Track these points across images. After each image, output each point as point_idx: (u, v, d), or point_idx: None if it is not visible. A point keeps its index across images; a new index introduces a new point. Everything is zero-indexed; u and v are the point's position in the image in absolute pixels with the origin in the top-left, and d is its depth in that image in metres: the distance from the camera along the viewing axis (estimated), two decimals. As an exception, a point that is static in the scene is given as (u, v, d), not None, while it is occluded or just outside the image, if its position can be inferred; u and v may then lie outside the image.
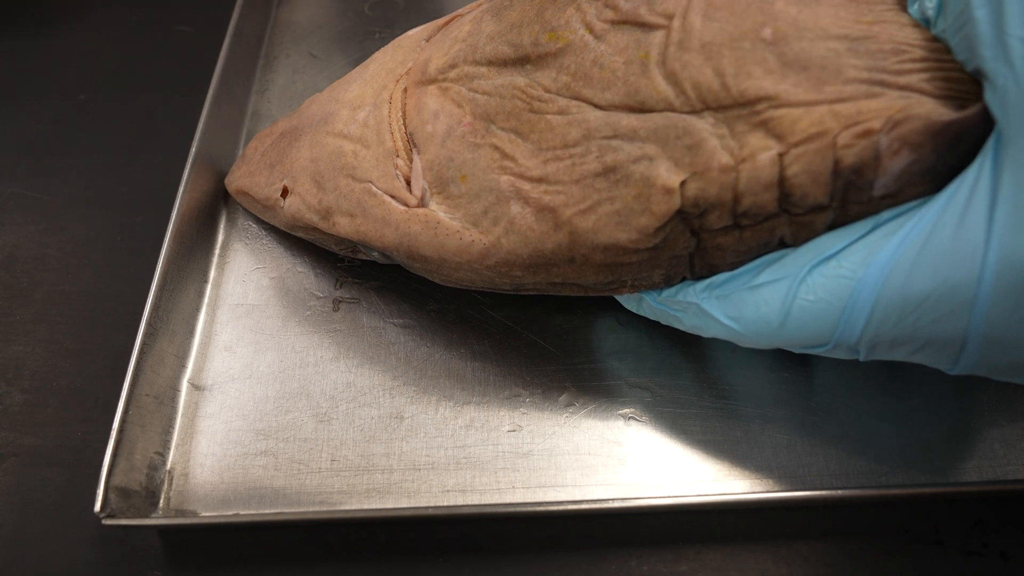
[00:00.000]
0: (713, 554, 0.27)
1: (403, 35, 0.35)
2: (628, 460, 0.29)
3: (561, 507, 0.27)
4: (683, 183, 0.24)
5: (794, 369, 0.30)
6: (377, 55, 0.35)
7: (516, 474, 0.29)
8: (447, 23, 0.33)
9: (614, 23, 0.26)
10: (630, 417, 0.30)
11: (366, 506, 0.28)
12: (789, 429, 0.29)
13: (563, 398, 0.30)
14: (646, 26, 0.25)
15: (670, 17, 0.25)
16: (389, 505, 0.28)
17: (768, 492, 0.28)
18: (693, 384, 0.30)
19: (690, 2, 0.25)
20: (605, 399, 0.30)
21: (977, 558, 0.27)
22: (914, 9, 0.24)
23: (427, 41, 0.33)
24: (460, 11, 0.33)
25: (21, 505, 0.29)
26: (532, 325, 0.33)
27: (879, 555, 0.27)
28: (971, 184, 0.21)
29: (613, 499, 0.27)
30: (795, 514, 0.28)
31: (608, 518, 0.28)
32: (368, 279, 0.35)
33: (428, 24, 0.34)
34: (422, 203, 0.29)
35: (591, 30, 0.27)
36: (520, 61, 0.28)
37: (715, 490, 0.28)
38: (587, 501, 0.27)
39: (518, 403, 0.30)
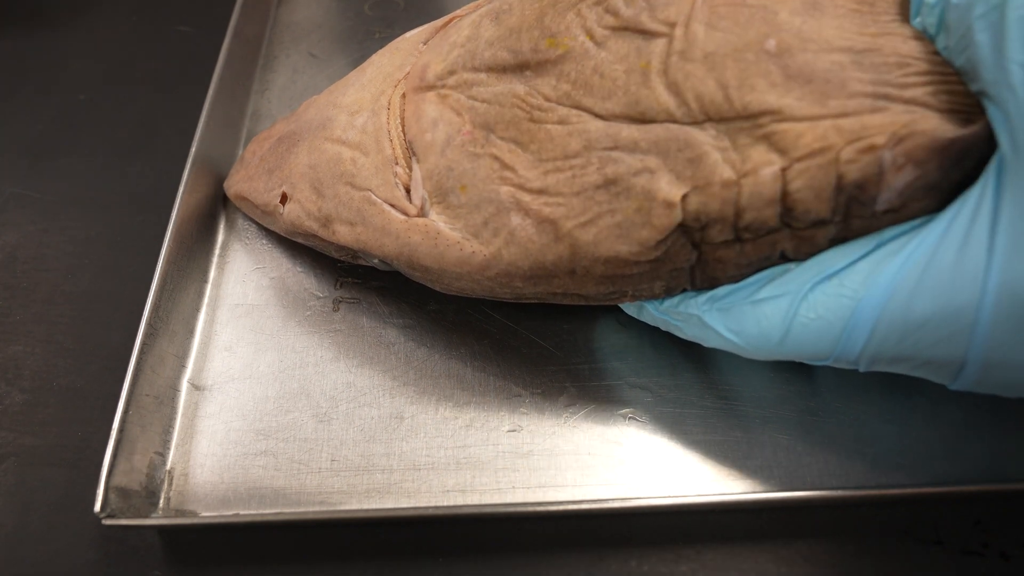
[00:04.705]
0: (713, 554, 0.27)
1: (400, 37, 0.34)
2: (628, 460, 0.29)
3: (561, 507, 0.27)
4: (684, 197, 0.23)
5: (794, 369, 0.30)
6: (374, 58, 0.34)
7: (516, 474, 0.29)
8: (445, 25, 0.33)
9: (615, 29, 0.26)
10: (630, 417, 0.30)
11: (366, 506, 0.28)
12: (789, 429, 0.29)
13: (563, 398, 0.30)
14: (647, 33, 0.25)
15: (672, 25, 0.25)
16: (389, 505, 0.28)
17: (768, 492, 0.28)
18: (693, 384, 0.30)
19: (692, 10, 0.24)
20: (605, 399, 0.30)
21: (977, 558, 0.27)
22: (916, 22, 0.23)
23: (425, 44, 0.32)
24: (458, 12, 0.33)
25: (21, 505, 0.29)
26: (532, 325, 0.33)
27: (879, 555, 0.27)
28: (973, 207, 0.21)
29: (613, 499, 0.27)
30: (795, 514, 0.28)
31: (608, 518, 0.28)
32: (368, 279, 0.35)
33: (426, 26, 0.34)
34: (422, 213, 0.28)
35: (591, 36, 0.26)
36: (519, 67, 0.27)
37: (715, 490, 0.28)
38: (587, 501, 0.27)
39: (518, 403, 0.30)
